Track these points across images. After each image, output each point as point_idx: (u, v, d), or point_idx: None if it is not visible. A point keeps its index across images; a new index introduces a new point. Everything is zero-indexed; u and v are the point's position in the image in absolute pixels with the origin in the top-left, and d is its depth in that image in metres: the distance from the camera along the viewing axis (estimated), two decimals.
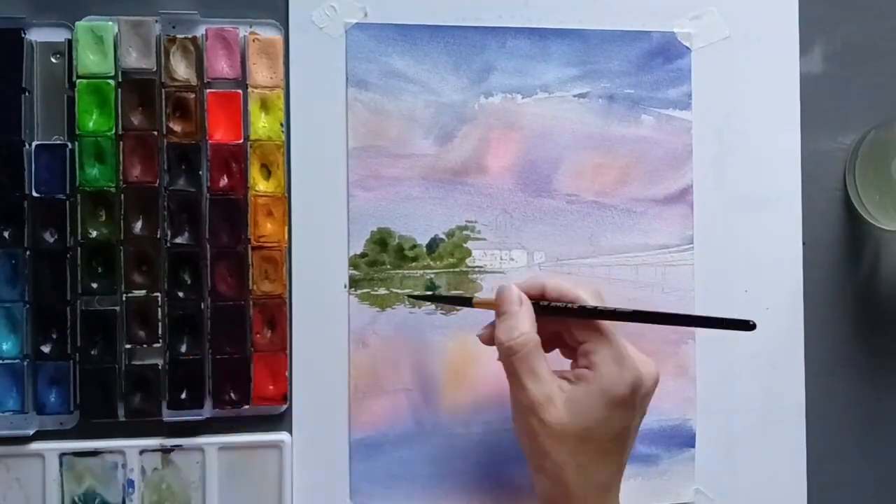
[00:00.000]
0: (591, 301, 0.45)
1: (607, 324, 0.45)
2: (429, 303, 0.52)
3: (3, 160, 0.48)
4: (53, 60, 0.49)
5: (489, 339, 0.46)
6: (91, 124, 0.49)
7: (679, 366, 0.54)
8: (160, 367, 0.49)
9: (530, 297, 0.46)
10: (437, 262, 0.52)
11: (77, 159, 0.49)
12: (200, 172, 0.50)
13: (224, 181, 0.50)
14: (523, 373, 0.44)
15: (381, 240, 0.52)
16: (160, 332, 0.49)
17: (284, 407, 0.50)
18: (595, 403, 0.43)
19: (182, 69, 0.50)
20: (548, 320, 0.45)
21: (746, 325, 0.42)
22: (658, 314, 0.45)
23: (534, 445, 0.44)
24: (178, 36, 0.49)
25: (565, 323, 0.46)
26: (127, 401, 0.49)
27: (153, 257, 0.49)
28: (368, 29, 0.52)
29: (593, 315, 0.44)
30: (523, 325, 0.44)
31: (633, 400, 0.44)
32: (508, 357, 0.44)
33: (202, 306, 0.50)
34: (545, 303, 0.45)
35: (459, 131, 0.52)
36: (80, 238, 0.49)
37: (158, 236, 0.49)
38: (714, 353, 0.54)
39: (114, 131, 0.49)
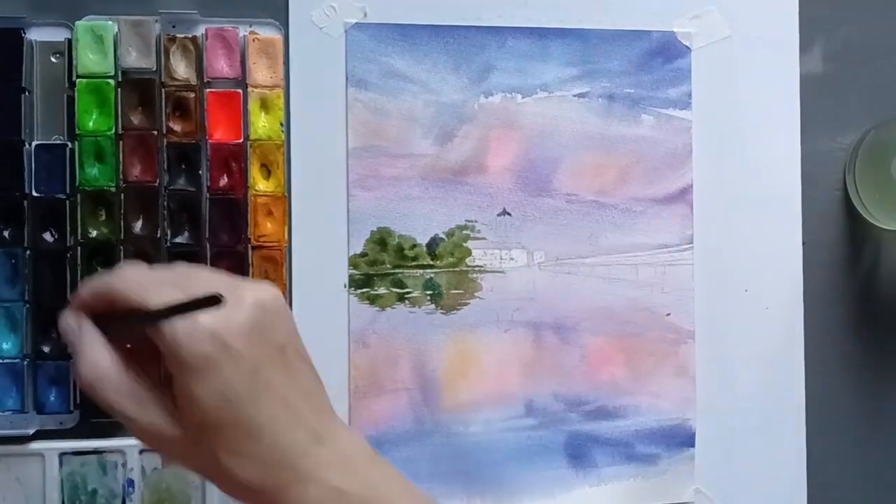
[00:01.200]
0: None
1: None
2: None
3: (3, 160, 0.48)
4: (53, 60, 0.49)
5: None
6: (91, 124, 0.49)
7: (679, 365, 0.54)
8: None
9: (100, 310, 0.38)
10: (437, 262, 0.52)
11: (77, 159, 0.49)
12: (200, 172, 0.50)
13: (224, 181, 0.50)
14: (119, 408, 0.36)
15: (380, 239, 0.52)
16: None
17: None
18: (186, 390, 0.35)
19: (182, 69, 0.49)
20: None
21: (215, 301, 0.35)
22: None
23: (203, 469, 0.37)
24: (178, 35, 0.49)
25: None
26: None
27: (153, 257, 0.49)
28: (368, 29, 0.52)
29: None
30: (89, 357, 0.36)
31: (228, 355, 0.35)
32: (93, 397, 0.37)
33: None
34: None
35: (459, 131, 0.52)
36: (80, 238, 0.49)
37: (158, 236, 0.49)
38: (714, 353, 0.54)
39: (114, 131, 0.49)
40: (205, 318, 0.35)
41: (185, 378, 0.35)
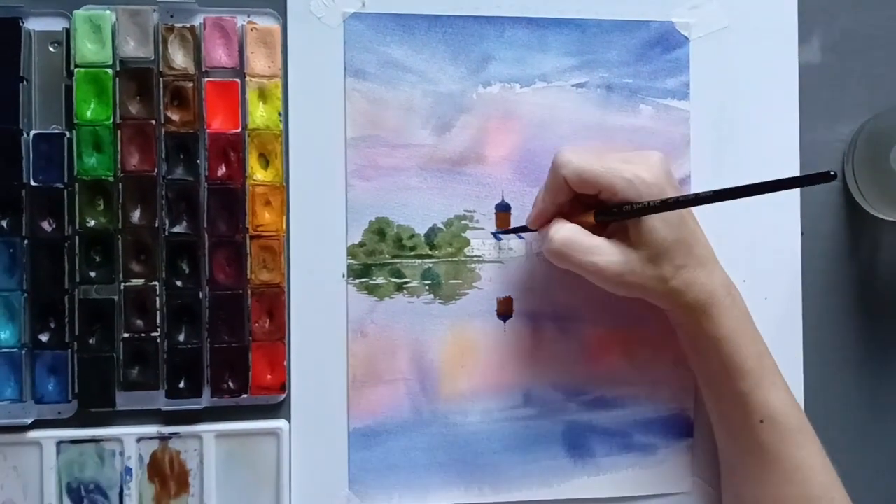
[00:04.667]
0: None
1: (597, 165, 0.47)
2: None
3: (1, 149, 0.48)
4: (51, 49, 0.49)
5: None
6: (89, 113, 0.49)
7: (677, 355, 0.54)
8: (159, 356, 0.49)
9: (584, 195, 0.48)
10: (436, 252, 0.52)
11: (75, 148, 0.49)
12: (198, 161, 0.50)
13: (222, 170, 0.50)
14: (582, 262, 0.47)
15: (379, 229, 0.52)
16: (158, 321, 0.49)
17: (282, 396, 0.50)
18: (647, 223, 0.47)
19: (180, 58, 0.49)
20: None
21: (827, 177, 0.40)
22: (734, 189, 0.44)
23: (647, 294, 0.48)
24: (176, 25, 0.49)
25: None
26: (125, 387, 0.49)
27: (151, 246, 0.49)
28: (366, 18, 0.52)
29: (669, 207, 0.46)
30: (559, 230, 0.48)
31: (666, 188, 0.47)
32: (559, 261, 0.48)
33: (200, 295, 0.50)
34: (628, 207, 0.47)
35: (458, 121, 0.52)
36: (78, 227, 0.49)
37: (156, 225, 0.49)
38: None
39: (112, 120, 0.49)
40: (647, 161, 0.48)
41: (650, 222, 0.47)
